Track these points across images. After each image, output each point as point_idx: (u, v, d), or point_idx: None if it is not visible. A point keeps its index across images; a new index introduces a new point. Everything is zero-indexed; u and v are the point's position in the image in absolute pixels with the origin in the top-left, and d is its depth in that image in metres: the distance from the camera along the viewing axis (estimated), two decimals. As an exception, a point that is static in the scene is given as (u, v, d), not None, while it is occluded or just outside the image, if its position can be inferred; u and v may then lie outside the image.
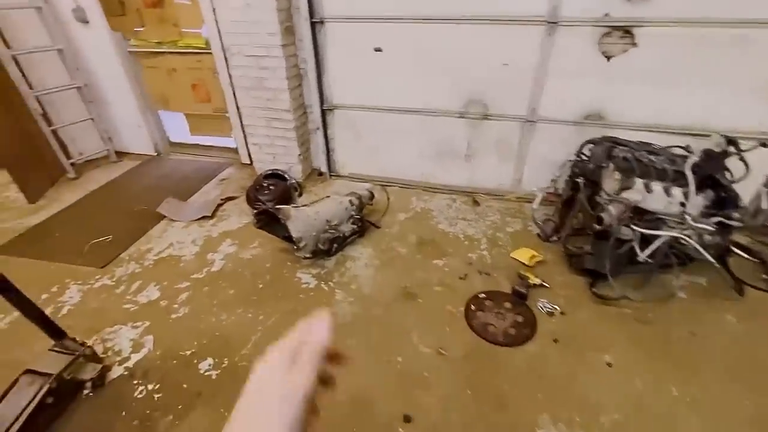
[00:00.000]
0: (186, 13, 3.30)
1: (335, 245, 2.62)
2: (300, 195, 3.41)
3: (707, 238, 2.11)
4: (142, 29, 3.51)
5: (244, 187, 3.48)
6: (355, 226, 2.74)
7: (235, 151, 3.96)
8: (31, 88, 3.47)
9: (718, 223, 2.10)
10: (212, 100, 3.74)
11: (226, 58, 3.20)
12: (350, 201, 2.77)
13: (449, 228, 2.93)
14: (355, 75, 3.11)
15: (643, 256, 2.08)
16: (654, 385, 1.79)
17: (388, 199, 3.27)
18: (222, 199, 3.34)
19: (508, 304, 2.25)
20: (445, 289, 2.37)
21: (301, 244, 2.36)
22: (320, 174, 3.72)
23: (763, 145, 2.41)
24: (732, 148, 2.26)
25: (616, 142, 2.33)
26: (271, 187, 3.23)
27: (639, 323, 2.12)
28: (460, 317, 2.17)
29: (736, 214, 2.11)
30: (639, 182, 2.11)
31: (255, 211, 2.45)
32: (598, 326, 2.10)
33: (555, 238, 2.74)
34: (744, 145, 2.29)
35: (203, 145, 4.22)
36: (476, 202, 3.22)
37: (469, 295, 2.31)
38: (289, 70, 3.05)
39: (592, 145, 2.45)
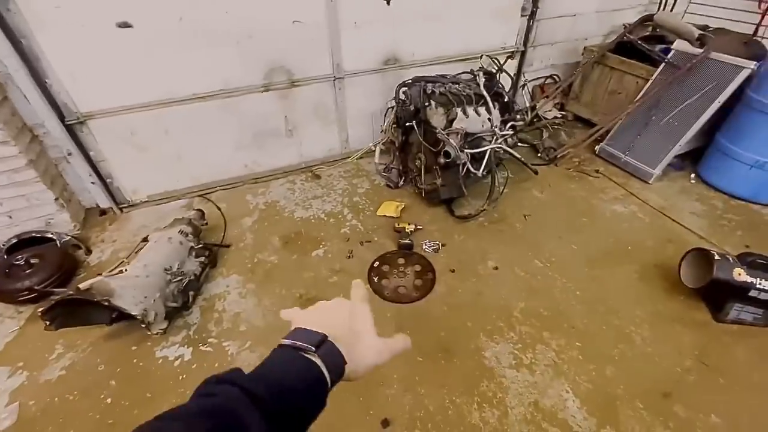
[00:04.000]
0: None
1: (191, 293, 2.00)
2: (89, 253, 2.41)
3: (509, 140, 2.64)
4: None
5: (-25, 279, 2.18)
6: (202, 258, 2.15)
7: None
8: None
9: (512, 127, 2.64)
10: None
11: None
12: (180, 231, 2.12)
13: (306, 213, 2.68)
14: (105, 66, 2.18)
15: (480, 172, 2.44)
16: (527, 266, 2.24)
17: (219, 209, 2.69)
18: (-60, 316, 1.99)
19: (402, 260, 2.30)
20: (341, 276, 2.21)
21: (150, 318, 1.67)
22: (103, 213, 2.67)
23: (510, 57, 3.09)
24: (497, 65, 2.81)
25: (425, 80, 2.52)
26: (32, 262, 2.14)
27: (492, 224, 2.56)
28: (371, 295, 2.09)
29: (518, 116, 2.70)
30: (458, 111, 2.38)
31: (41, 310, 1.55)
32: (471, 243, 2.42)
33: (402, 182, 2.90)
34: (500, 60, 2.87)
35: None
36: (317, 176, 3.03)
37: (364, 269, 2.24)
38: (-27, 78, 1.88)
39: (405, 88, 2.58)
